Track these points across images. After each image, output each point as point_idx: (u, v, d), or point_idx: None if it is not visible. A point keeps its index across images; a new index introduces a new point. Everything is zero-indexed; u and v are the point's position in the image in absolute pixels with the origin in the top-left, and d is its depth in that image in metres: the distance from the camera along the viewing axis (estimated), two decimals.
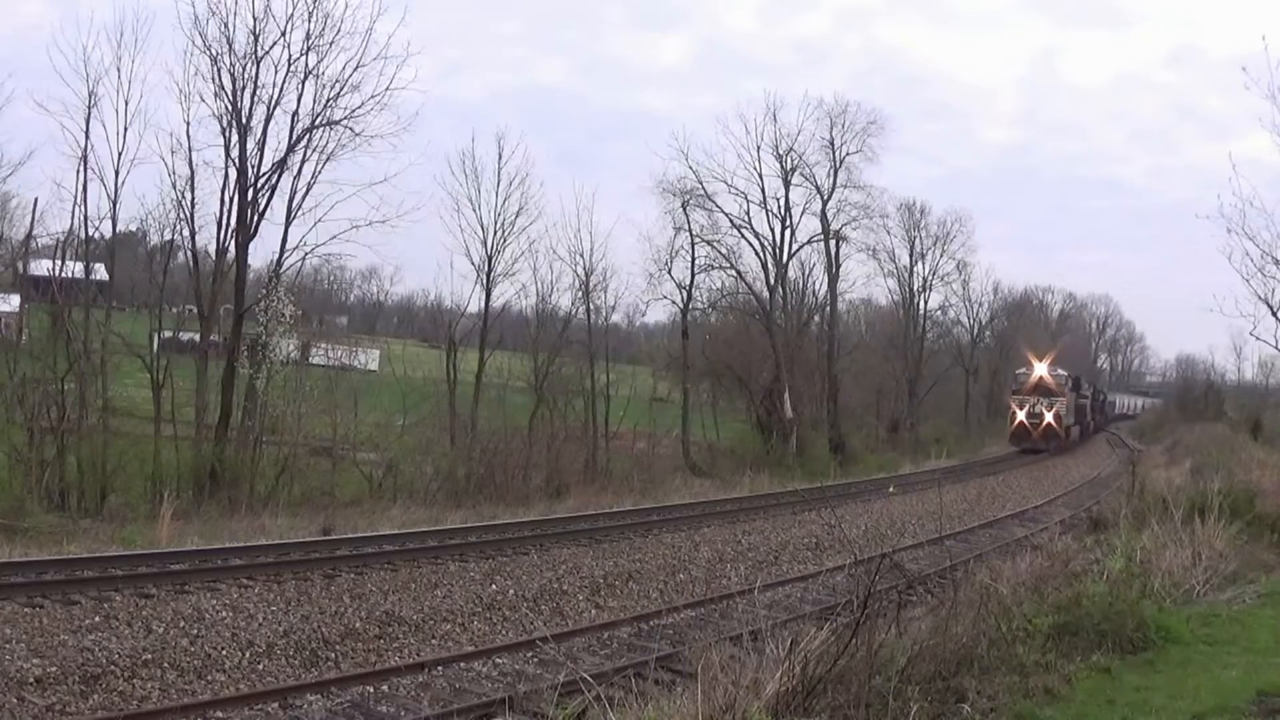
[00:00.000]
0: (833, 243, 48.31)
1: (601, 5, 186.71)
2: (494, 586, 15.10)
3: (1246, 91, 19.76)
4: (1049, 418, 53.69)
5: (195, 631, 11.75)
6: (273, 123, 27.08)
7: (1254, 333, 18.13)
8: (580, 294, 38.12)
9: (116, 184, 25.51)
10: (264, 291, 27.83)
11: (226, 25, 26.24)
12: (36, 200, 33.12)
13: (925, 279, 60.19)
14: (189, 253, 27.97)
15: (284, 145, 27.22)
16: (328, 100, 27.25)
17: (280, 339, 27.78)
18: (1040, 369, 54.81)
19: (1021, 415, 54.18)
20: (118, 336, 26.72)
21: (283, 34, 26.75)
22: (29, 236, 28.81)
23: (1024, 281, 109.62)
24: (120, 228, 27.32)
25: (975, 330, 70.06)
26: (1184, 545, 12.89)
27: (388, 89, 27.40)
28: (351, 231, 27.37)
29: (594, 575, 16.35)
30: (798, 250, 47.40)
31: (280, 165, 27.20)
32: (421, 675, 11.04)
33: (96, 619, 11.85)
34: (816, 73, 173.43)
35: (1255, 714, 7.41)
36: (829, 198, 46.91)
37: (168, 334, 29.86)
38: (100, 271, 28.33)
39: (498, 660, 11.76)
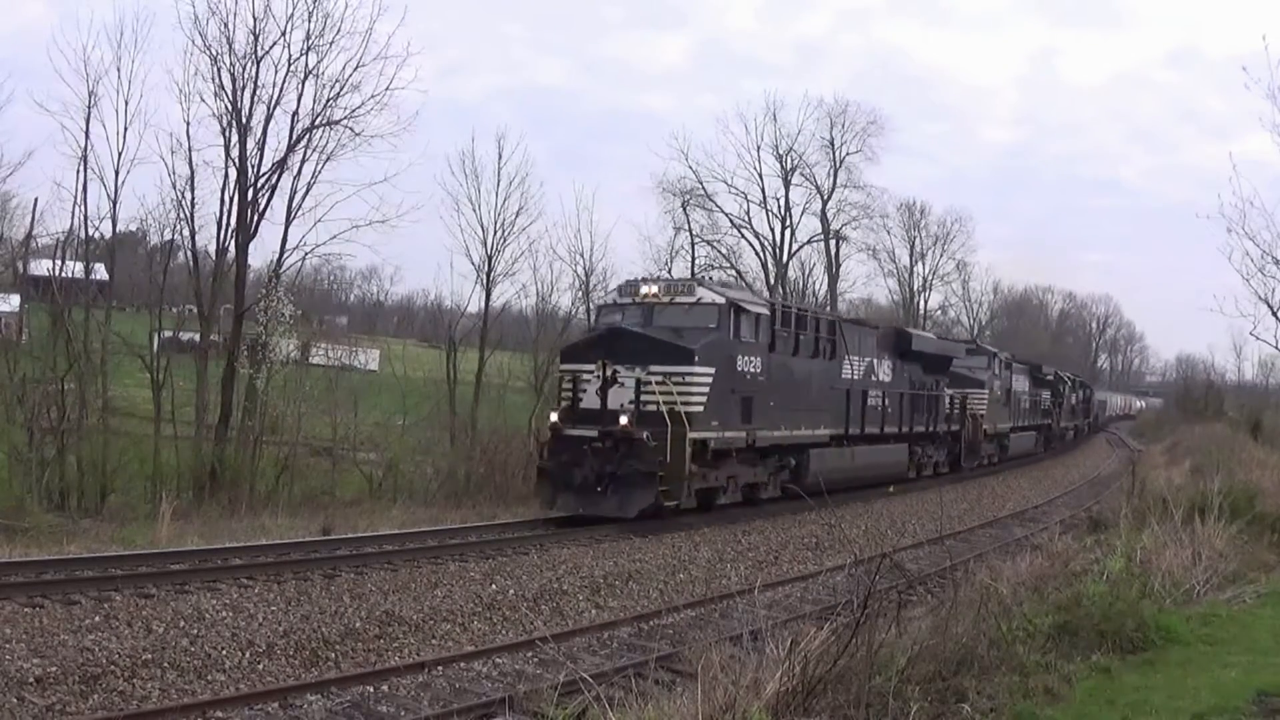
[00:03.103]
0: (833, 242, 48.35)
1: (601, 5, 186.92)
2: (494, 586, 15.09)
3: (1246, 91, 19.83)
4: (624, 419, 19.03)
5: (195, 631, 11.74)
6: (273, 123, 27.18)
7: (1254, 333, 18.21)
8: (580, 294, 38.21)
9: (116, 184, 25.63)
10: (264, 291, 27.86)
11: (226, 25, 26.37)
12: (36, 200, 33.36)
13: (925, 279, 60.19)
14: (189, 253, 28.06)
15: (284, 145, 27.31)
16: (328, 100, 27.36)
17: (280, 339, 27.81)
18: (650, 286, 21.40)
19: (555, 415, 20.74)
20: (118, 336, 26.75)
21: (283, 34, 26.86)
22: (29, 236, 28.88)
23: (1024, 281, 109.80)
24: (120, 228, 27.46)
25: (975, 330, 70.09)
26: (1184, 545, 12.89)
27: (388, 89, 27.51)
28: (351, 231, 27.51)
29: (594, 575, 16.32)
30: (798, 250, 47.52)
31: (280, 165, 27.28)
32: (421, 675, 11.02)
33: (96, 619, 11.84)
34: (816, 73, 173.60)
35: (1255, 714, 7.42)
36: (829, 198, 47.01)
37: (168, 334, 29.90)
38: (100, 271, 28.41)
39: (498, 660, 11.74)
